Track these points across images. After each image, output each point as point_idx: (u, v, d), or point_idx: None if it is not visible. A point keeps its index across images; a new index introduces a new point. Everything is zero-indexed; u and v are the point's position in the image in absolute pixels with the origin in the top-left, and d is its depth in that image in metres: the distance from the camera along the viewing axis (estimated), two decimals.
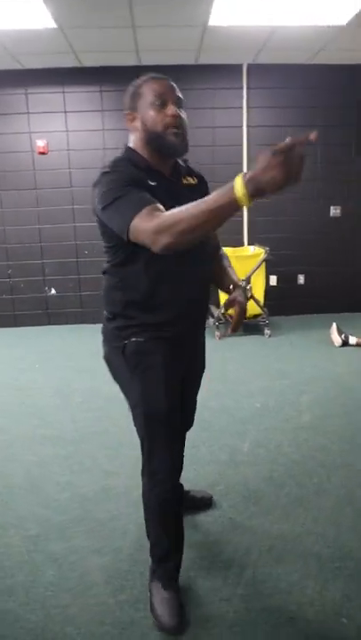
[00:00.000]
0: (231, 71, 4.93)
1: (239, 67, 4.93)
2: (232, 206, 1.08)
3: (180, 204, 1.18)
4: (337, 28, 3.95)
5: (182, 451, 1.71)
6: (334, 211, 5.34)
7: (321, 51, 4.53)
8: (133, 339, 1.43)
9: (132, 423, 1.52)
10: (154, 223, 1.19)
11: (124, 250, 1.36)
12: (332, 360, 3.96)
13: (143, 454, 1.52)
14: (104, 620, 1.52)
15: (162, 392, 1.44)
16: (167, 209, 1.22)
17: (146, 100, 1.37)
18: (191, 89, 4.86)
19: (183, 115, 1.39)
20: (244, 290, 1.62)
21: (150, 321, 1.42)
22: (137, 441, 1.52)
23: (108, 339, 1.52)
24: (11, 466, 2.49)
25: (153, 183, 1.34)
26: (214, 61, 4.79)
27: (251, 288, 4.56)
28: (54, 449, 2.64)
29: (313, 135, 0.99)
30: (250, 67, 4.93)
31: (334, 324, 4.38)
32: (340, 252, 5.41)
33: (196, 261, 1.42)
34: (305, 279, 5.45)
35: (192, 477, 2.20)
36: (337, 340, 4.28)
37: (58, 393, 3.47)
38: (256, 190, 1.03)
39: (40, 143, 4.97)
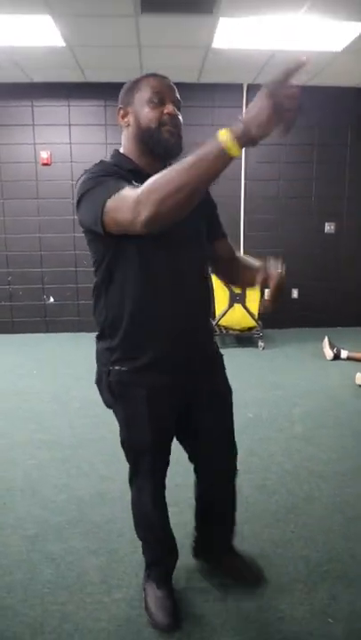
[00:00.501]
0: (232, 90, 5.08)
1: (239, 86, 5.09)
2: (219, 156, 0.99)
3: None
4: (334, 54, 4.12)
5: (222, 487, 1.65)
6: (329, 227, 5.47)
7: (318, 74, 4.70)
8: (117, 367, 1.36)
9: None
10: (134, 196, 1.07)
11: (109, 260, 1.29)
12: (324, 373, 4.05)
13: (129, 468, 1.53)
14: (100, 617, 1.57)
15: (145, 427, 1.38)
16: None
17: (143, 96, 1.27)
18: (192, 106, 5.00)
19: (180, 117, 1.30)
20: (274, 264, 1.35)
21: (137, 341, 1.32)
22: None
23: (98, 359, 1.44)
24: (9, 469, 2.54)
25: (137, 184, 1.20)
26: (215, 80, 4.94)
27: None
28: (52, 453, 2.70)
29: (303, 58, 0.94)
30: (250, 86, 5.09)
31: (326, 338, 4.48)
32: (333, 268, 5.54)
33: (188, 275, 1.35)
34: (299, 293, 5.57)
35: (187, 483, 2.26)
36: (329, 353, 4.38)
37: (56, 399, 3.53)
38: (242, 133, 0.97)
39: (44, 154, 5.09)
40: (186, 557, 1.76)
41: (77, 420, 3.14)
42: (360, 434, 2.93)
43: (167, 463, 1.53)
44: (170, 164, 1.37)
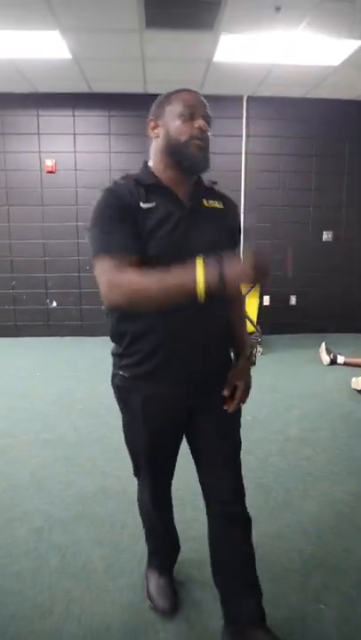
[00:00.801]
0: (232, 102, 5.22)
1: (240, 98, 5.23)
2: (189, 295, 1.09)
3: (180, 228, 1.23)
4: (332, 68, 4.25)
5: (227, 479, 1.48)
6: (327, 235, 5.60)
7: (316, 87, 4.84)
8: (121, 372, 1.40)
9: None
10: (110, 278, 1.17)
11: None
12: (320, 377, 4.15)
13: (132, 466, 1.56)
14: (105, 601, 1.67)
15: (140, 432, 1.42)
16: (161, 232, 1.23)
17: (174, 110, 1.29)
18: None
19: (210, 133, 1.31)
20: (250, 358, 1.48)
21: (139, 350, 1.34)
22: None
23: (112, 362, 1.46)
24: (16, 467, 2.63)
25: (148, 205, 1.26)
26: (217, 92, 5.08)
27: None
28: (56, 452, 2.79)
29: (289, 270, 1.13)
30: (250, 98, 5.23)
31: (323, 344, 4.59)
32: (331, 276, 5.66)
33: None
34: (297, 300, 5.68)
35: (186, 481, 2.35)
36: (326, 359, 4.48)
37: (59, 401, 3.62)
38: (217, 283, 1.08)
39: (49, 162, 5.22)
40: (184, 549, 1.85)
41: (80, 420, 3.24)
42: (354, 435, 3.03)
43: (169, 469, 1.55)
44: (195, 180, 1.37)
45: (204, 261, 1.10)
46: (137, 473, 1.57)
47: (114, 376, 1.44)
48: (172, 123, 1.29)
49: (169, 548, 1.74)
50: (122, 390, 1.42)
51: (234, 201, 1.47)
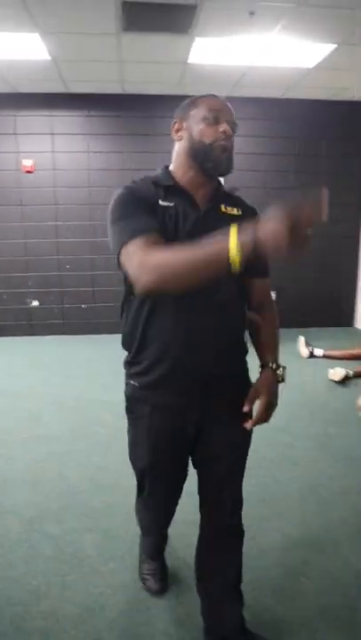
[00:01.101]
0: None
1: None
2: (221, 267, 1.01)
3: (194, 230, 1.21)
4: (306, 70, 4.38)
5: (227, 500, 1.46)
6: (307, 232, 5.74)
7: (292, 88, 4.97)
8: (132, 381, 1.39)
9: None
10: (139, 259, 1.11)
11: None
12: (299, 370, 4.29)
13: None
14: (98, 583, 1.75)
15: (145, 446, 1.40)
16: (175, 230, 1.23)
17: (199, 113, 1.28)
18: (170, 117, 5.19)
19: (233, 139, 1.29)
20: (276, 372, 1.44)
21: (147, 357, 1.33)
22: (124, 440, 1.51)
23: (124, 371, 1.45)
24: (10, 462, 2.69)
25: (166, 203, 1.26)
26: (193, 92, 5.15)
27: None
28: (49, 447, 2.84)
29: (324, 194, 1.02)
30: (229, 98, 5.31)
31: (302, 338, 4.74)
32: (310, 271, 5.81)
33: (207, 300, 1.25)
34: (277, 295, 5.78)
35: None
36: (304, 352, 4.63)
37: (50, 398, 3.64)
38: (253, 250, 0.99)
39: (27, 162, 5.22)
40: (175, 533, 1.94)
41: (72, 417, 3.27)
42: (332, 424, 3.17)
43: (172, 485, 1.53)
44: (215, 185, 1.35)
45: (238, 227, 1.02)
46: (140, 489, 1.55)
47: (126, 385, 1.44)
48: (195, 126, 1.28)
49: (159, 546, 1.81)
50: (131, 401, 1.42)
51: (255, 209, 1.40)
